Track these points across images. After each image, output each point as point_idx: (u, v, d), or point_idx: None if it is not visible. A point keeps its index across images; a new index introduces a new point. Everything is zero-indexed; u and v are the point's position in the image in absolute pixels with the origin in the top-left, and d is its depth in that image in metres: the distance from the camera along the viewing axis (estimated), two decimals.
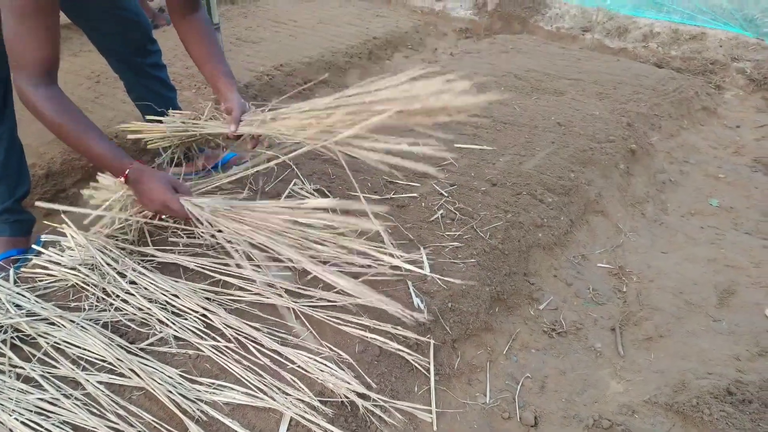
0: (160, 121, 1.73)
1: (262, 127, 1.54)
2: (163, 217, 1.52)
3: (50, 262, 1.52)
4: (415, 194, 1.88)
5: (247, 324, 1.32)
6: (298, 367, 1.24)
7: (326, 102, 1.58)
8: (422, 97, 1.56)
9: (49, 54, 1.32)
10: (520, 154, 2.19)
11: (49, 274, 1.49)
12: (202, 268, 1.48)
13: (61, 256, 1.53)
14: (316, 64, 3.33)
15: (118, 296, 1.40)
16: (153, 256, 1.53)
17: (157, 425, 1.13)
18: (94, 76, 2.82)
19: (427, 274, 1.50)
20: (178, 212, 1.41)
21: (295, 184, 1.86)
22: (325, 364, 1.24)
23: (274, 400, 1.16)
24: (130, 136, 1.73)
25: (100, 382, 1.22)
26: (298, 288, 1.42)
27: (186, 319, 1.35)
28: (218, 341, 1.29)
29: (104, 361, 1.26)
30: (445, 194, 1.88)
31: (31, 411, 1.15)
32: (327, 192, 1.85)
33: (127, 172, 1.40)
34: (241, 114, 1.56)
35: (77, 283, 1.44)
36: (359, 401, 1.18)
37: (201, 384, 1.20)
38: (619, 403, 1.34)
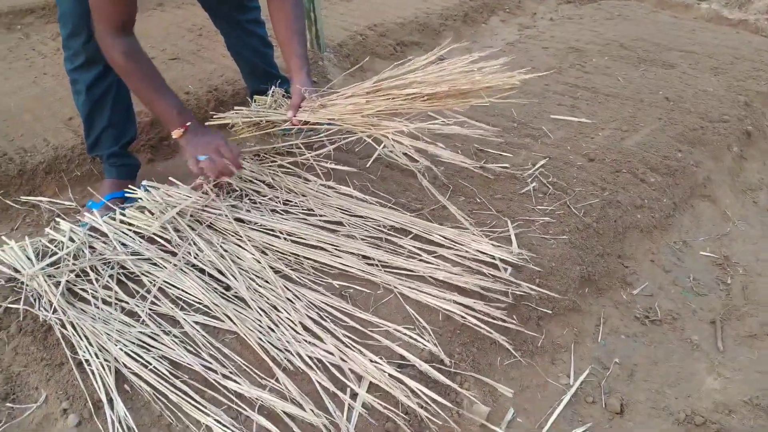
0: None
1: (314, 115, 1.57)
2: (206, 173, 1.51)
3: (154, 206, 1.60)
4: (506, 164, 1.82)
5: (330, 295, 1.35)
6: (383, 330, 1.25)
7: (366, 87, 1.56)
8: (450, 78, 1.51)
9: (125, 8, 1.40)
10: (622, 129, 2.07)
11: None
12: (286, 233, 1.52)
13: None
14: (409, 26, 3.27)
15: (215, 249, 1.46)
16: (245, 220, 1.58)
17: (247, 368, 1.19)
18: (197, 29, 2.91)
19: (512, 252, 1.45)
20: (230, 153, 1.48)
21: (384, 147, 1.85)
22: (408, 334, 1.24)
23: (354, 362, 1.17)
24: (216, 123, 1.76)
25: (196, 323, 1.28)
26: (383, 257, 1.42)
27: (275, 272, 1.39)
28: (300, 300, 1.32)
29: (200, 303, 1.32)
30: (539, 167, 1.81)
31: (134, 343, 1.23)
32: (415, 156, 1.83)
33: (188, 123, 1.49)
34: (300, 101, 1.60)
35: (178, 228, 1.51)
36: (442, 368, 1.18)
37: (288, 336, 1.24)
38: (714, 401, 1.26)
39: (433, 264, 1.38)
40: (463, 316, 1.25)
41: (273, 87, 1.77)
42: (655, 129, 2.07)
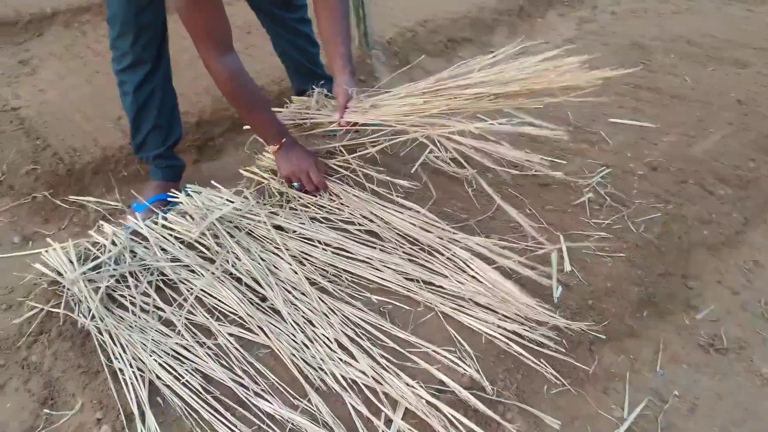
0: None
1: (364, 116, 1.52)
2: (294, 185, 1.61)
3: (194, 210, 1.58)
4: (560, 172, 1.71)
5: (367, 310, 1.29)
6: (422, 351, 1.19)
7: (422, 87, 1.48)
8: (522, 78, 1.40)
9: (226, 24, 1.41)
10: (689, 134, 1.92)
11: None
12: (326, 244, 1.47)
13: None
14: (461, 21, 3.16)
15: (252, 258, 1.43)
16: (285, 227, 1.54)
17: (279, 386, 1.15)
18: (246, 27, 2.89)
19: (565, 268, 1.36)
20: (317, 178, 1.56)
21: (431, 152, 1.77)
22: (448, 357, 1.17)
23: (390, 385, 1.11)
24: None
25: (230, 335, 1.26)
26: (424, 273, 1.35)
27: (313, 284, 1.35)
28: (336, 315, 1.27)
29: (235, 314, 1.30)
30: (596, 176, 1.70)
31: (168, 354, 1.21)
32: (464, 162, 1.75)
33: (283, 140, 1.56)
34: (346, 101, 1.56)
35: (218, 234, 1.49)
36: (483, 396, 1.11)
37: (322, 353, 1.19)
38: None
39: (475, 287, 1.30)
40: (507, 343, 1.17)
41: (314, 88, 1.72)
42: (726, 135, 1.91)
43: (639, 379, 1.28)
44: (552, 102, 1.40)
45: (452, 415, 1.07)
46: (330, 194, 1.59)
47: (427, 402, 1.08)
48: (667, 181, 1.68)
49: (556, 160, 1.79)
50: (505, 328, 1.19)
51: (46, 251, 1.44)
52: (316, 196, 1.60)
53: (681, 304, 1.42)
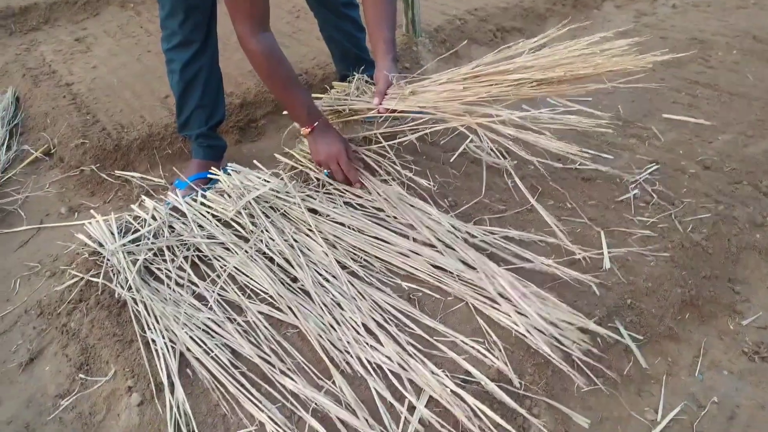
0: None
1: (403, 103, 1.48)
2: (325, 172, 1.59)
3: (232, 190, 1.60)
4: (605, 167, 1.65)
5: (396, 297, 1.28)
6: (449, 340, 1.17)
7: (463, 72, 1.44)
8: (566, 62, 1.33)
9: (266, 3, 1.42)
10: (747, 134, 1.82)
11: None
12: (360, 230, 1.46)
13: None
14: (513, 10, 3.09)
15: (285, 239, 1.44)
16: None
17: (304, 366, 1.15)
18: (295, 11, 2.91)
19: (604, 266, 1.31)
20: (347, 166, 1.53)
21: (471, 141, 1.74)
22: (476, 347, 1.15)
23: (415, 372, 1.10)
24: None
25: (260, 313, 1.27)
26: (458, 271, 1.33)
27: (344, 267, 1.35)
28: (365, 300, 1.26)
29: (266, 293, 1.31)
30: (644, 172, 1.63)
31: (200, 328, 1.23)
32: (504, 154, 1.71)
33: (316, 123, 1.52)
34: (386, 87, 1.53)
35: (254, 214, 1.50)
36: (510, 389, 1.08)
37: (349, 336, 1.19)
38: None
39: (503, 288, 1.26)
40: (536, 342, 1.14)
41: (355, 74, 1.71)
42: None
43: (676, 383, 1.23)
44: (598, 89, 1.34)
45: (476, 406, 1.05)
46: (360, 187, 1.57)
47: (452, 391, 1.07)
48: (719, 180, 1.60)
49: (602, 155, 1.73)
50: (535, 327, 1.16)
51: (89, 223, 1.49)
52: (347, 185, 1.58)
53: (726, 308, 1.35)
